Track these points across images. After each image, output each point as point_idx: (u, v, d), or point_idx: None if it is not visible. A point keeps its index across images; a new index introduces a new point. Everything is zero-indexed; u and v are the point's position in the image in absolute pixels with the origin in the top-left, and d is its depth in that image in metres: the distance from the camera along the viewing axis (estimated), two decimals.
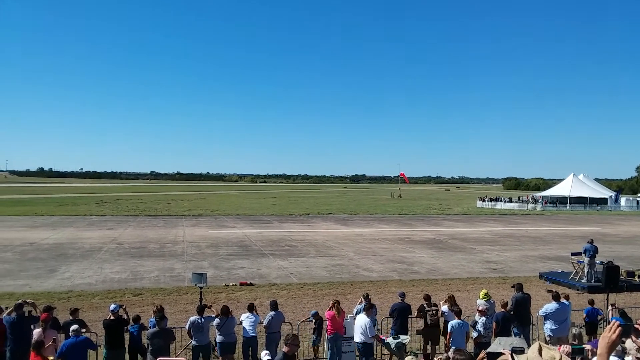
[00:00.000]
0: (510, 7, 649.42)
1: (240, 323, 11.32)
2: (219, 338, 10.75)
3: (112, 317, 10.11)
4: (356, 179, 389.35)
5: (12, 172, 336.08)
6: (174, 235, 35.61)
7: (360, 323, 10.76)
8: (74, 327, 8.99)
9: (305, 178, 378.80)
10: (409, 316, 12.22)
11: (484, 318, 11.17)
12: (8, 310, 10.26)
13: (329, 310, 11.25)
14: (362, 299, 12.12)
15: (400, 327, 11.76)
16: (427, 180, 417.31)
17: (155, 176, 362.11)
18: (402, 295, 12.53)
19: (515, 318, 12.10)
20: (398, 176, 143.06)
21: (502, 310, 11.73)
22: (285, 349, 7.35)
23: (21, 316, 9.82)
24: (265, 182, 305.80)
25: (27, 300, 10.89)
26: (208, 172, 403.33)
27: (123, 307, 11.17)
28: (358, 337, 10.76)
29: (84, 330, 9.88)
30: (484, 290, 13.28)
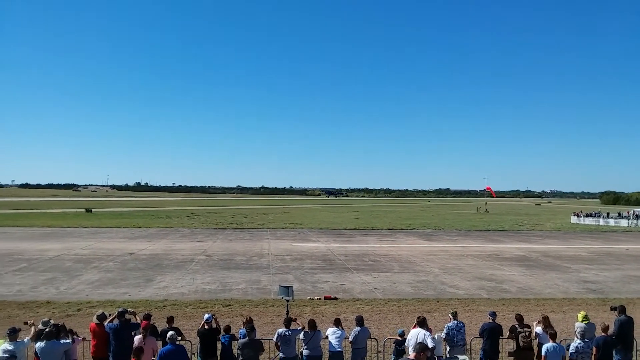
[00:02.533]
0: None
1: (326, 337, 11.40)
2: (305, 352, 10.87)
3: (206, 327, 10.55)
4: (440, 193, 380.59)
5: (113, 187, 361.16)
6: (260, 248, 36.57)
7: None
8: (170, 334, 9.47)
9: (388, 192, 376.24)
10: (500, 337, 11.72)
11: (581, 342, 10.49)
12: (111, 317, 10.99)
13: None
14: (451, 317, 11.80)
15: (491, 348, 11.32)
16: (516, 194, 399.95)
17: (241, 190, 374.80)
18: (493, 314, 12.05)
19: (617, 343, 11.26)
20: (484, 190, 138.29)
21: (603, 334, 10.95)
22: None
23: (123, 323, 10.48)
24: (347, 196, 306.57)
25: (128, 309, 11.62)
26: (291, 186, 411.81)
27: (214, 317, 11.62)
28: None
29: (179, 338, 10.38)
30: (583, 312, 12.47)
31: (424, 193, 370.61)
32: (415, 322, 10.93)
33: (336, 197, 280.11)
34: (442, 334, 11.47)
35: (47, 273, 24.84)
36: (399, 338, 11.68)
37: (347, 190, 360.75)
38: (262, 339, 11.04)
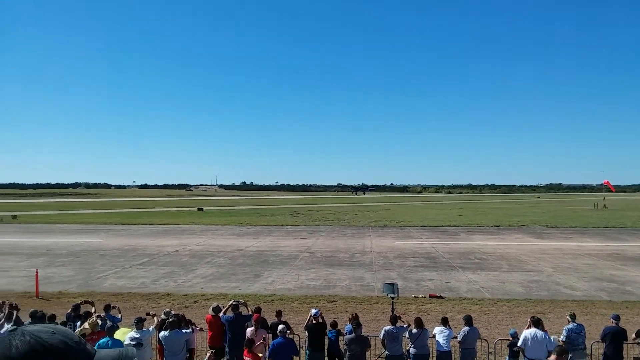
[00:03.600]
0: None
1: (434, 336, 11.20)
2: (412, 350, 10.76)
3: (314, 321, 10.81)
4: (551, 188, 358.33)
5: (221, 186, 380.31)
6: (362, 245, 36.70)
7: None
8: (281, 327, 9.82)
9: (493, 188, 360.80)
10: (624, 342, 10.84)
11: None
12: (224, 309, 11.60)
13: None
14: (569, 319, 11.10)
15: (613, 353, 10.51)
16: (638, 188, 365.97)
17: (341, 188, 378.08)
18: (616, 318, 11.17)
19: None
20: (602, 185, 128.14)
21: None
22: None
23: (237, 315, 11.03)
24: (450, 192, 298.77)
25: (240, 300, 12.20)
26: (392, 184, 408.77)
27: (320, 312, 11.84)
28: None
29: (288, 331, 10.72)
30: None
31: (533, 189, 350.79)
32: (530, 322, 10.41)
33: (364, 193, 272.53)
34: (562, 337, 10.83)
35: (166, 267, 26.74)
36: (510, 339, 11.20)
37: (449, 187, 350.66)
38: (368, 336, 11.09)
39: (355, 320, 10.82)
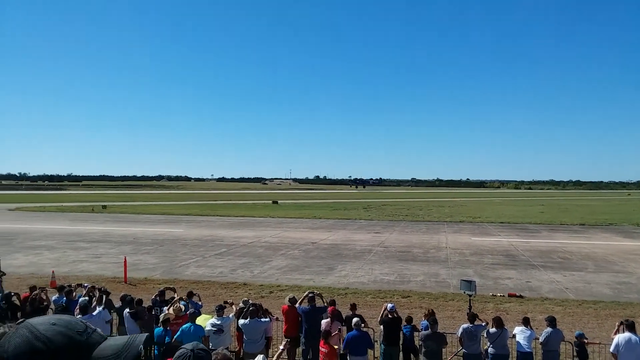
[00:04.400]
0: None
1: (513, 336, 10.82)
2: (491, 350, 10.45)
3: (389, 316, 10.75)
4: None
5: (295, 180, 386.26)
6: (437, 241, 36.03)
7: None
8: (355, 320, 9.85)
9: (578, 184, 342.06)
10: None
11: None
12: (300, 300, 11.79)
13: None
14: None
15: None
16: None
17: (415, 183, 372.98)
18: None
19: None
20: None
21: None
22: None
23: (313, 307, 11.19)
24: (530, 188, 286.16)
25: (315, 291, 12.36)
26: (468, 179, 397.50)
27: (395, 307, 11.75)
28: None
29: (363, 325, 10.74)
30: None
31: (623, 185, 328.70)
32: (622, 326, 9.80)
33: (364, 187, 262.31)
34: None
35: (242, 258, 27.56)
36: (576, 340, 10.61)
37: (530, 183, 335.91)
38: (444, 333, 10.90)
39: (431, 317, 10.66)
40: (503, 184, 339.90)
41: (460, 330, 10.51)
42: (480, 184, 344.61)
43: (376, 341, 11.20)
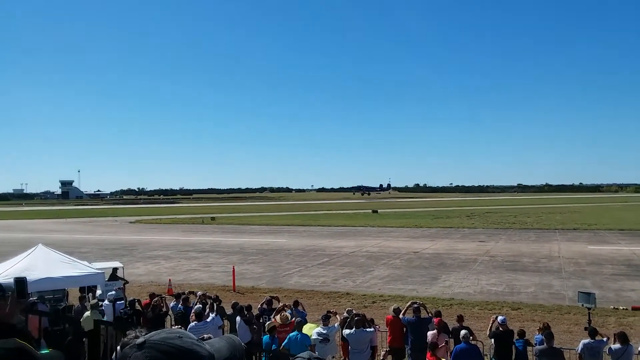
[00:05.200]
0: None
1: (639, 353, 9.90)
2: None
3: (500, 329, 10.28)
4: None
5: (394, 189, 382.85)
6: (548, 250, 33.95)
7: None
8: (464, 333, 9.53)
9: None
10: None
11: None
12: (404, 310, 11.63)
13: None
14: None
15: None
16: None
17: (522, 189, 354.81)
18: None
19: None
20: None
21: None
22: None
23: (418, 317, 11.00)
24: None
25: (417, 301, 12.14)
26: (581, 183, 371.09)
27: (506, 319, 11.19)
28: None
29: (471, 337, 10.36)
30: None
31: None
32: None
33: (369, 194, 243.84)
34: None
35: (344, 267, 27.76)
36: None
37: (617, 186, 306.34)
38: (561, 348, 10.22)
39: (546, 331, 10.03)
40: (622, 187, 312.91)
41: (581, 346, 9.79)
42: (596, 189, 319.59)
43: (485, 355, 10.74)
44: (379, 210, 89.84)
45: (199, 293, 14.00)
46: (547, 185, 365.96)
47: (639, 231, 46.90)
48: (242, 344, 1.56)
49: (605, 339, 10.02)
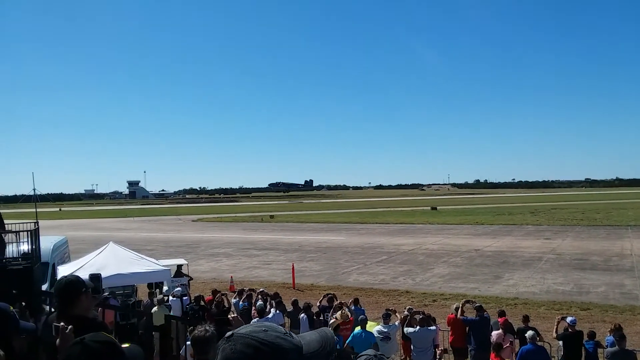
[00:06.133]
0: None
1: None
2: None
3: (570, 330, 9.91)
4: None
5: (454, 185, 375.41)
6: (620, 247, 32.33)
7: None
8: (530, 334, 9.26)
9: None
10: None
11: None
12: (459, 308, 11.41)
13: None
14: None
15: None
16: None
17: (590, 183, 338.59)
18: None
19: None
20: None
21: None
22: None
23: (481, 316, 10.79)
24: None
25: (470, 300, 11.92)
26: None
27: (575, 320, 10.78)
28: None
29: (538, 338, 10.05)
30: None
31: None
32: None
33: (288, 192, 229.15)
34: None
35: (403, 265, 27.54)
36: None
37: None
38: (634, 350, 9.74)
39: (618, 332, 9.57)
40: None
41: None
42: None
43: (553, 357, 10.39)
44: (438, 207, 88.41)
45: (259, 290, 14.31)
46: (617, 179, 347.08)
47: None
48: (334, 337, 1.57)
49: None
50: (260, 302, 12.28)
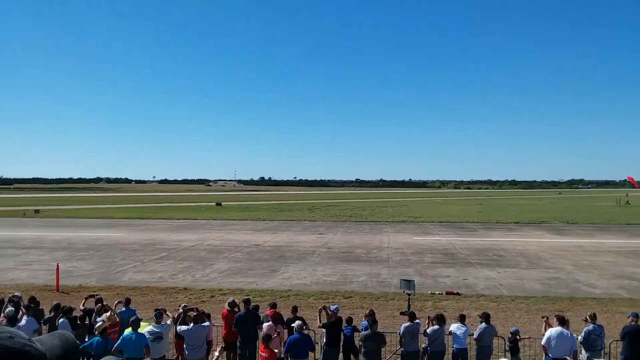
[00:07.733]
0: None
1: (450, 333, 11.15)
2: (429, 346, 10.73)
3: (332, 318, 10.82)
4: (573, 184, 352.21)
5: (240, 182, 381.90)
6: (379, 241, 36.62)
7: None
8: (297, 324, 9.85)
9: (513, 183, 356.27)
10: None
11: None
12: (231, 304, 11.65)
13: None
14: (589, 319, 10.94)
15: (631, 354, 10.33)
16: None
17: (360, 183, 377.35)
18: (635, 315, 10.97)
19: None
20: (625, 180, 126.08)
21: None
22: None
23: (248, 309, 11.12)
24: (469, 188, 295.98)
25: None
26: (410, 179, 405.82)
27: (338, 308, 11.78)
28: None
29: (304, 327, 10.76)
30: None
31: (554, 184, 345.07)
32: (555, 321, 10.30)
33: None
34: (580, 338, 10.67)
35: (184, 262, 27.00)
36: (510, 336, 11.05)
37: (468, 183, 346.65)
38: (383, 332, 11.08)
39: (371, 317, 10.81)
40: (444, 184, 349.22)
41: (402, 328, 10.74)
42: (422, 184, 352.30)
43: (317, 343, 11.25)
44: (223, 203, 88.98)
45: (11, 295, 12.57)
46: (381, 180, 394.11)
47: (455, 223, 52.87)
48: (75, 339, 1.50)
49: (417, 321, 11.11)
50: (10, 308, 10.77)
